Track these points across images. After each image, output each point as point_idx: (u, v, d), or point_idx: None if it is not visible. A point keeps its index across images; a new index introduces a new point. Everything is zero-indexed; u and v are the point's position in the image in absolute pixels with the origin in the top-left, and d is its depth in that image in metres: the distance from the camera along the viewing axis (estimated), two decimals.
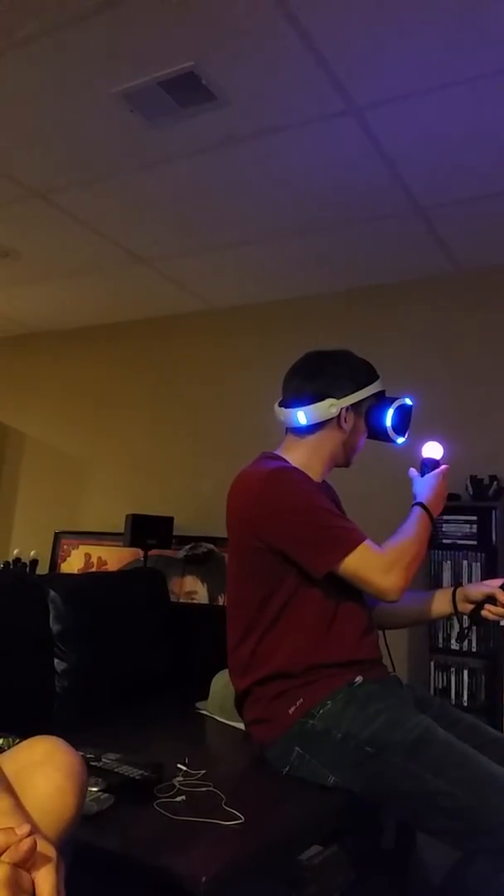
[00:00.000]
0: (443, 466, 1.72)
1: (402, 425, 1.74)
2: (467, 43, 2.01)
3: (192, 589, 3.74)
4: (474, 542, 3.02)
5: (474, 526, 3.03)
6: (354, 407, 1.69)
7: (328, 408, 1.65)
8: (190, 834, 1.13)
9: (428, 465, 1.72)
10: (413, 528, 1.57)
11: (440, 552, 3.06)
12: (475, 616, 1.65)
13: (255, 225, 3.16)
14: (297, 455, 1.68)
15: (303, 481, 1.60)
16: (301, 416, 1.66)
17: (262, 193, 2.88)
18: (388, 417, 1.70)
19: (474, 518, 3.03)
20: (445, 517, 3.06)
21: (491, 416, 3.29)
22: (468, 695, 2.91)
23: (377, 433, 1.73)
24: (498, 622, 1.69)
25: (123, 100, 2.32)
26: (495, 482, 3.08)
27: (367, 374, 1.72)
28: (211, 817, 1.19)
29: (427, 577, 3.06)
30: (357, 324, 3.63)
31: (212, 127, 2.45)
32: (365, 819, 1.73)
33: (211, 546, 3.74)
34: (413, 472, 1.73)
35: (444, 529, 3.08)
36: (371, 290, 3.68)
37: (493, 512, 3.01)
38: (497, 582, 1.66)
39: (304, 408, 1.65)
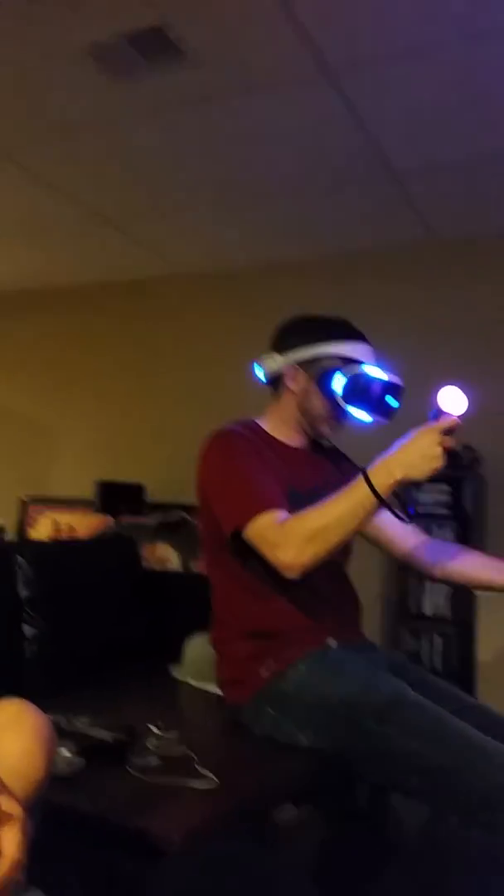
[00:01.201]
0: (441, 420, 1.36)
1: (361, 398, 1.54)
2: (442, 6, 1.96)
3: (165, 556, 3.73)
4: (448, 512, 3.04)
5: (448, 495, 3.05)
6: (306, 367, 1.60)
7: (271, 363, 1.63)
8: (163, 795, 1.12)
9: (433, 417, 1.38)
10: (334, 499, 1.38)
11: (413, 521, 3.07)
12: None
13: (226, 188, 3.10)
14: (267, 418, 1.68)
15: (238, 440, 1.55)
16: (258, 372, 1.66)
17: (232, 155, 2.82)
18: (337, 384, 1.54)
19: (448, 488, 3.05)
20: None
21: (465, 384, 3.29)
22: (441, 660, 2.95)
23: (330, 401, 1.57)
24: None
25: (88, 54, 2.23)
26: (470, 452, 3.10)
27: (319, 332, 1.60)
28: (184, 778, 1.18)
29: None
30: (331, 290, 3.59)
31: (180, 85, 2.38)
32: (338, 778, 1.74)
33: (183, 514, 3.72)
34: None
35: (418, 497, 3.08)
36: (346, 256, 3.64)
37: (467, 482, 3.03)
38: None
39: (259, 363, 1.66)
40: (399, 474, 1.34)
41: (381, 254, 3.56)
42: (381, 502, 1.34)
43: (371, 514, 1.37)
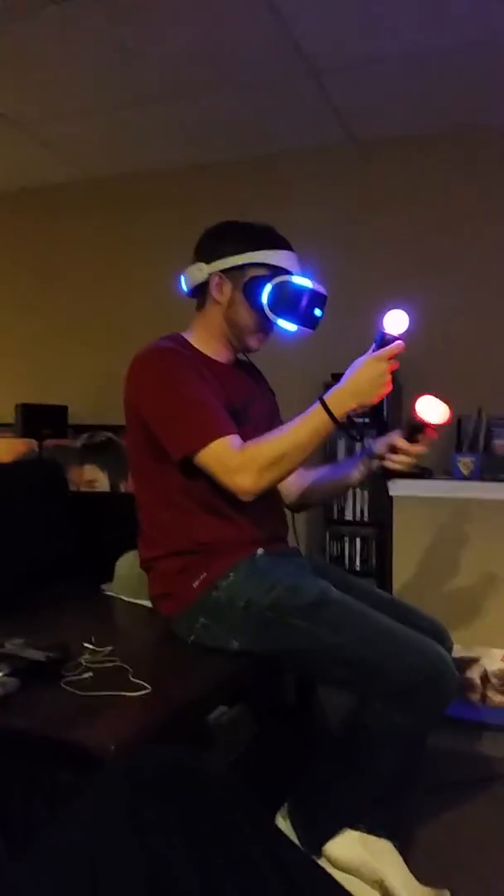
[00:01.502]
0: (392, 345, 1.42)
1: (288, 308, 1.53)
2: None
3: (93, 478, 3.69)
4: (366, 420, 3.11)
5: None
6: (231, 276, 1.57)
7: (197, 271, 1.58)
8: (98, 707, 1.15)
9: (380, 342, 1.44)
10: (295, 426, 1.44)
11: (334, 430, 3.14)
12: (383, 470, 1.59)
13: (136, 86, 2.91)
14: (195, 330, 1.64)
15: (177, 360, 1.52)
16: (182, 282, 1.61)
17: (140, 50, 2.63)
18: (265, 293, 1.52)
19: None
20: None
21: (383, 294, 3.30)
22: (360, 561, 3.10)
23: (256, 312, 1.55)
24: (403, 472, 1.59)
25: None
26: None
27: (245, 240, 1.56)
28: (118, 690, 1.22)
29: (321, 454, 3.15)
30: (251, 194, 3.49)
31: None
32: (268, 678, 1.84)
33: (110, 434, 3.67)
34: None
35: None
36: (265, 158, 3.52)
37: None
38: (398, 433, 1.58)
39: (183, 273, 1.61)
40: (354, 402, 1.42)
41: (303, 157, 3.46)
42: (339, 427, 1.44)
43: (325, 439, 1.46)
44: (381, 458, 1.61)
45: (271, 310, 1.53)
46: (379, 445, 1.63)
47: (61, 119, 3.21)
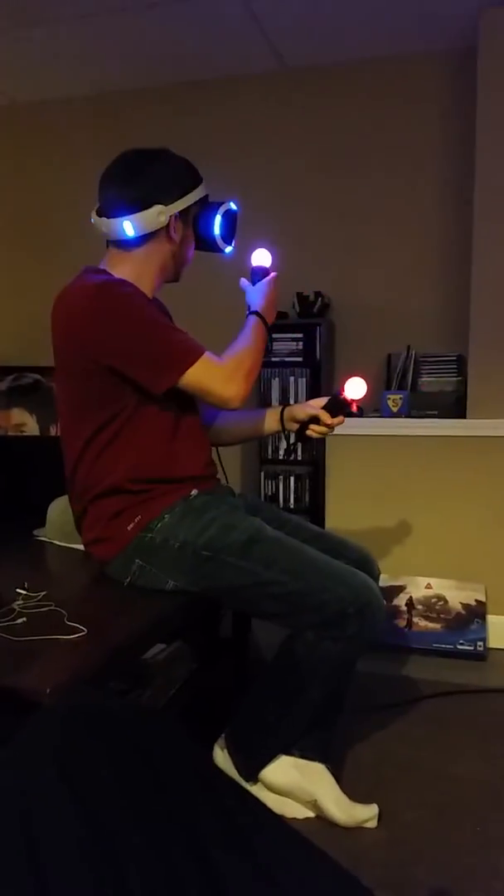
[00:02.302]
0: (272, 274, 1.68)
1: (229, 233, 1.66)
2: None
3: (21, 421, 3.60)
4: (300, 360, 3.12)
5: (300, 343, 3.11)
6: (182, 214, 1.57)
7: (157, 216, 1.52)
8: (32, 652, 1.15)
9: (258, 274, 1.68)
10: (250, 337, 1.57)
11: (268, 370, 3.14)
12: (300, 434, 1.72)
13: (53, 4, 2.70)
14: (125, 270, 1.56)
15: (135, 294, 1.50)
16: (128, 227, 1.51)
17: None
18: (216, 225, 1.61)
19: (300, 335, 3.11)
20: (274, 335, 3.11)
21: (316, 229, 3.27)
22: (294, 499, 3.16)
23: (205, 243, 1.64)
24: (317, 439, 1.78)
25: None
26: (320, 298, 3.14)
27: (192, 176, 1.59)
28: (53, 634, 1.21)
29: (256, 395, 3.15)
30: (179, 121, 3.36)
31: None
32: (204, 615, 1.87)
33: (37, 376, 3.56)
34: (244, 282, 1.69)
35: (272, 348, 3.14)
36: (194, 85, 3.37)
37: (318, 329, 3.10)
38: (321, 402, 1.71)
39: (129, 216, 1.51)
40: (271, 316, 1.64)
41: (233, 84, 3.32)
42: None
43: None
44: (301, 423, 1.72)
45: (223, 239, 1.64)
46: (298, 412, 1.72)
47: None
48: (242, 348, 1.54)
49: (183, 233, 1.60)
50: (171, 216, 1.54)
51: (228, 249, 1.67)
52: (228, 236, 1.66)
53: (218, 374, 1.48)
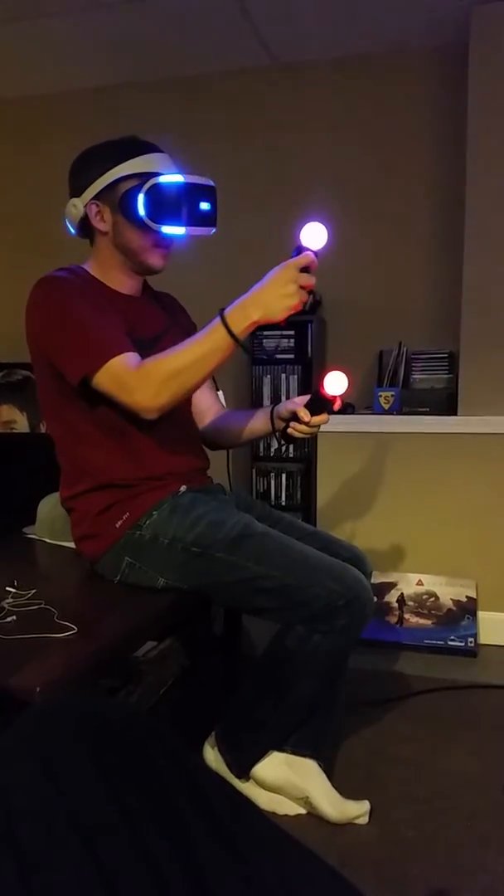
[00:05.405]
0: (301, 255, 1.32)
1: (168, 211, 1.44)
2: None
3: (11, 418, 3.58)
4: (291, 356, 3.12)
5: (292, 340, 3.11)
6: (106, 200, 1.49)
7: (72, 209, 1.52)
8: (22, 650, 1.14)
9: (295, 254, 1.34)
10: (194, 341, 1.36)
11: (260, 367, 3.13)
12: (284, 434, 1.61)
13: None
14: (92, 265, 1.59)
15: (66, 287, 1.46)
16: (68, 226, 1.55)
17: None
18: (140, 205, 1.44)
19: (292, 332, 3.11)
20: (265, 332, 3.11)
21: (307, 222, 3.26)
22: (286, 496, 3.16)
23: (139, 227, 1.47)
24: (304, 439, 1.61)
25: None
26: (311, 294, 3.12)
27: (115, 154, 1.46)
28: (43, 632, 1.21)
29: (248, 392, 3.15)
30: (170, 115, 3.34)
31: None
32: (195, 611, 1.87)
33: (27, 373, 3.55)
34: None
35: (263, 344, 3.13)
36: (184, 80, 3.36)
37: (309, 325, 3.09)
38: (302, 399, 1.58)
39: (65, 216, 1.54)
40: (256, 315, 1.31)
41: (222, 78, 3.31)
42: (238, 344, 1.34)
43: (227, 355, 1.36)
44: (285, 421, 1.61)
45: (152, 219, 1.44)
46: (283, 410, 1.63)
47: None
48: (173, 353, 1.36)
49: (111, 219, 1.50)
50: (87, 205, 1.50)
51: (173, 230, 1.46)
52: (165, 214, 1.44)
53: (125, 381, 1.36)
